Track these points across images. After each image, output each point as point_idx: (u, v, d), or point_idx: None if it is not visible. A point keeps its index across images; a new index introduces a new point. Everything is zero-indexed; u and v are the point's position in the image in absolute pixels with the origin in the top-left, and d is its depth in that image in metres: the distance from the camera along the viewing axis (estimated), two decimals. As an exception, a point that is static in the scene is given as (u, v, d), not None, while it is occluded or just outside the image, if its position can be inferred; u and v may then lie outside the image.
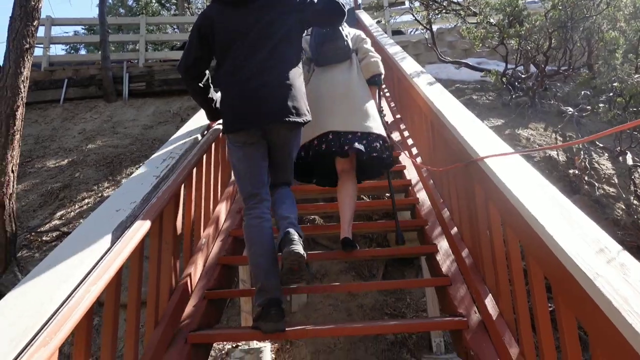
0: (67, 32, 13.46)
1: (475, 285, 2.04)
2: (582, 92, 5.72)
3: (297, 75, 2.27)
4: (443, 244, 2.66)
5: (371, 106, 2.73)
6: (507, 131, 5.92)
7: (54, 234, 5.14)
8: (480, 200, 2.01)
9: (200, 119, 2.92)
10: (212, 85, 2.48)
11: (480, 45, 5.24)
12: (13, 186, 4.39)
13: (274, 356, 3.97)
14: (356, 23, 8.62)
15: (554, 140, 5.85)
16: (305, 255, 1.97)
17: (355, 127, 2.60)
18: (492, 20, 5.11)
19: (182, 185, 2.34)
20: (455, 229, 2.49)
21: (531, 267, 1.50)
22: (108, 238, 1.54)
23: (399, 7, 9.76)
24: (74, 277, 1.35)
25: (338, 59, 2.80)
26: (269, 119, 2.15)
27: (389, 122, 4.84)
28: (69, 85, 8.91)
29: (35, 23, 4.58)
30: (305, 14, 2.33)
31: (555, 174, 5.21)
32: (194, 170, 2.57)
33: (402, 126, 4.33)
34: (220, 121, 2.50)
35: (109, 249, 1.53)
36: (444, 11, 6.33)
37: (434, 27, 8.97)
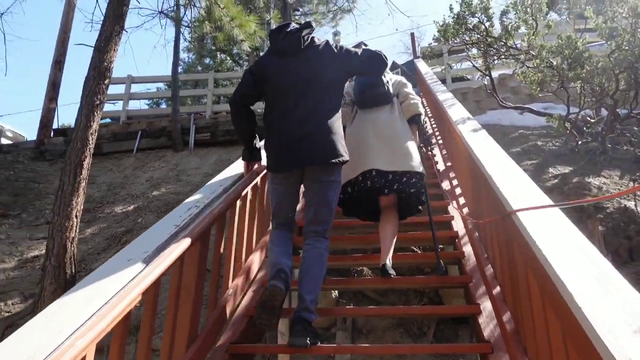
0: (149, 89, 14.72)
1: (515, 356, 1.78)
2: (662, 137, 5.19)
3: (336, 119, 2.48)
4: (487, 305, 2.39)
5: (412, 145, 2.92)
6: (574, 179, 5.46)
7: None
8: (518, 258, 1.79)
9: (233, 169, 2.95)
10: (256, 126, 2.69)
11: (538, 89, 4.95)
12: (76, 230, 4.66)
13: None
14: (415, 71, 8.62)
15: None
16: (308, 344, 2.16)
17: (397, 166, 2.80)
18: (551, 63, 4.83)
19: (210, 230, 2.34)
20: (498, 289, 2.24)
21: (567, 343, 1.27)
22: (112, 289, 1.53)
23: (458, 55, 9.66)
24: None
25: (380, 103, 3.04)
26: (308, 163, 2.38)
27: (441, 171, 4.65)
28: (142, 137, 9.63)
29: (106, 82, 5.01)
30: (350, 66, 2.56)
31: (632, 228, 4.66)
32: (222, 215, 2.57)
33: (452, 174, 4.13)
34: (256, 166, 2.91)
35: (113, 296, 1.51)
36: (502, 57, 6.13)
37: (496, 73, 8.75)
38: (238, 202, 2.79)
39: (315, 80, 2.45)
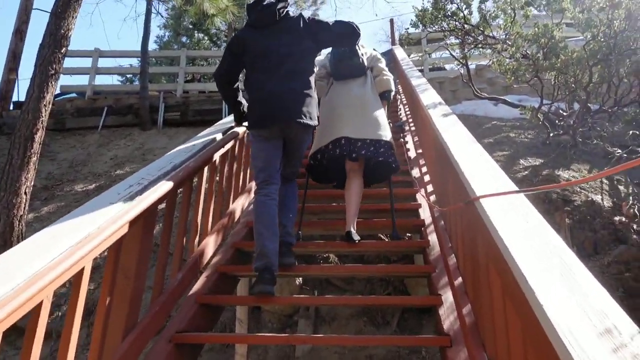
0: (121, 65, 14.07)
1: (473, 352, 1.68)
2: (631, 132, 5.19)
3: (311, 87, 2.69)
4: (448, 296, 2.30)
5: (381, 116, 3.05)
6: (544, 171, 5.45)
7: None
8: (480, 248, 1.67)
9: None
10: (241, 92, 2.90)
11: (512, 78, 4.86)
12: (24, 208, 4.38)
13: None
14: (392, 59, 8.48)
15: (599, 184, 5.30)
16: (295, 262, 2.70)
17: (365, 134, 2.91)
18: (526, 52, 4.75)
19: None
20: (460, 280, 2.14)
21: (527, 342, 1.16)
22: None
23: (436, 44, 9.56)
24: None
25: (354, 75, 3.18)
26: (287, 119, 2.59)
27: (412, 158, 4.55)
28: (108, 114, 9.21)
29: (63, 50, 4.68)
30: (322, 35, 2.72)
31: (598, 221, 4.67)
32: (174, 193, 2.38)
33: (422, 161, 4.02)
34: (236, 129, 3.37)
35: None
36: (479, 45, 6.03)
37: (473, 64, 8.68)
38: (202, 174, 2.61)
39: (291, 49, 2.64)
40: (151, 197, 2.05)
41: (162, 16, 11.13)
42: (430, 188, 3.44)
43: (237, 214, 3.47)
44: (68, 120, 9.23)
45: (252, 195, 3.82)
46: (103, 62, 10.26)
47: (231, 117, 3.78)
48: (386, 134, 2.97)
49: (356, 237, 2.84)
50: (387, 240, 4.53)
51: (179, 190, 2.50)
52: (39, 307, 1.38)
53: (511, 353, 1.33)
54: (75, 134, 9.08)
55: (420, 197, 3.54)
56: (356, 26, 2.74)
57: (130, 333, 1.95)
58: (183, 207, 2.60)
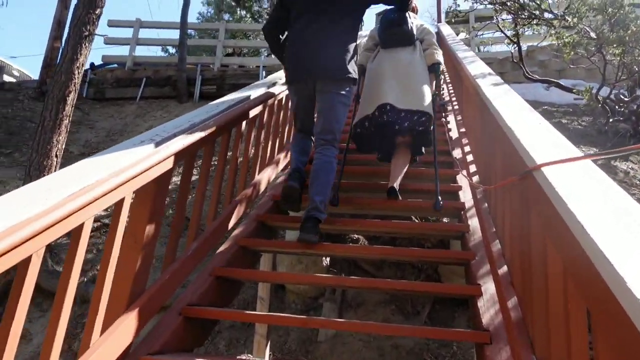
0: (163, 37, 14.11)
1: (519, 351, 1.42)
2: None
3: (349, 41, 2.69)
4: (489, 287, 2.03)
5: (426, 87, 2.95)
6: (599, 162, 4.98)
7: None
8: (535, 228, 1.40)
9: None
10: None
11: (572, 54, 4.37)
12: (55, 170, 4.36)
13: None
14: (438, 40, 8.02)
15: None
16: (316, 239, 2.43)
17: (409, 104, 2.85)
18: (589, 22, 4.26)
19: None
20: (504, 268, 1.86)
21: (598, 337, 0.89)
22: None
23: (486, 23, 9.00)
24: None
25: (402, 43, 3.08)
26: (317, 75, 2.64)
27: (453, 139, 4.22)
28: (146, 85, 9.24)
29: (97, 11, 4.59)
30: None
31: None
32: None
33: (465, 140, 3.70)
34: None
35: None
36: (534, 21, 5.54)
37: (524, 45, 8.10)
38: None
39: (336, 1, 2.65)
40: (166, 151, 1.87)
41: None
42: (472, 169, 3.13)
43: (263, 186, 3.28)
44: (107, 90, 9.33)
45: (280, 167, 3.66)
46: (144, 33, 10.24)
47: (271, 77, 3.92)
48: (428, 106, 2.89)
49: (399, 196, 2.83)
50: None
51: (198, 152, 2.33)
52: (80, 227, 1.44)
53: (572, 349, 1.07)
54: (115, 104, 9.17)
55: (462, 179, 3.24)
56: None
57: (136, 300, 1.80)
58: (202, 172, 2.43)
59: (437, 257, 2.70)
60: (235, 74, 9.27)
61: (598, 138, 5.57)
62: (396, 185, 2.87)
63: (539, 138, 1.49)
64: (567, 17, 5.20)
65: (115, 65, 10.30)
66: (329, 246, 2.70)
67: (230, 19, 19.35)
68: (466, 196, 3.01)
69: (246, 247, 2.66)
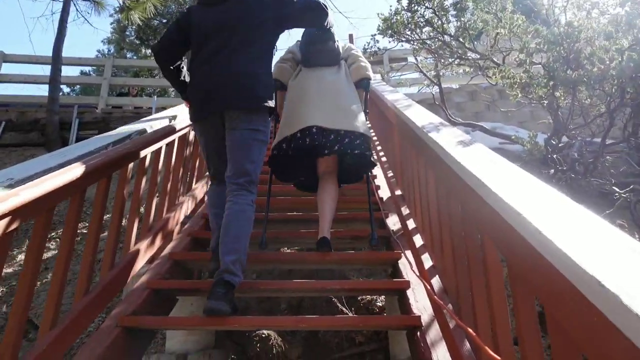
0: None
1: None
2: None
3: (261, 67, 2.34)
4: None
5: (357, 107, 2.72)
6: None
7: None
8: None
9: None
10: (185, 72, 2.56)
11: (519, 95, 3.77)
12: None
13: None
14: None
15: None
16: (228, 309, 1.95)
17: (340, 125, 2.58)
18: (539, 60, 3.72)
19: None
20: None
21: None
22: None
23: (401, 64, 8.62)
24: None
25: (326, 62, 2.81)
26: (224, 108, 2.28)
27: (384, 199, 3.33)
28: (6, 129, 7.51)
29: None
30: (283, 11, 2.37)
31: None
32: None
33: (405, 210, 2.82)
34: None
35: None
36: (457, 60, 5.00)
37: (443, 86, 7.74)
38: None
39: (241, 25, 2.34)
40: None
41: (78, 11, 9.10)
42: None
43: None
44: (-47, 136, 7.46)
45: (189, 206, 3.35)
46: (8, 68, 8.53)
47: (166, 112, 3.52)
48: (363, 125, 2.64)
49: (329, 247, 2.51)
50: (350, 314, 3.23)
51: None
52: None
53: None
54: (-39, 153, 7.29)
55: (406, 267, 2.30)
56: (324, 5, 2.42)
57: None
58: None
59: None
60: (123, 117, 7.87)
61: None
62: (327, 234, 2.54)
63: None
64: (492, 58, 4.71)
65: (-30, 105, 8.40)
66: (234, 320, 2.06)
67: (135, 57, 17.76)
68: (418, 301, 2.03)
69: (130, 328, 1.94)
